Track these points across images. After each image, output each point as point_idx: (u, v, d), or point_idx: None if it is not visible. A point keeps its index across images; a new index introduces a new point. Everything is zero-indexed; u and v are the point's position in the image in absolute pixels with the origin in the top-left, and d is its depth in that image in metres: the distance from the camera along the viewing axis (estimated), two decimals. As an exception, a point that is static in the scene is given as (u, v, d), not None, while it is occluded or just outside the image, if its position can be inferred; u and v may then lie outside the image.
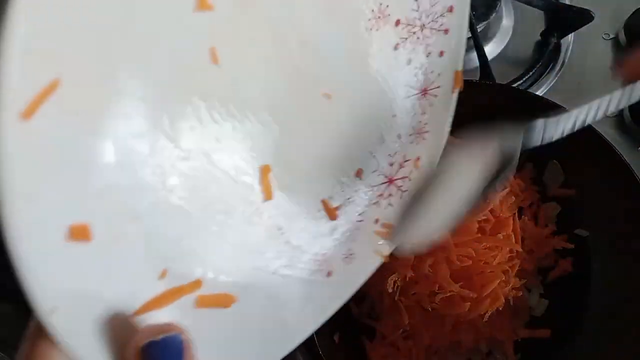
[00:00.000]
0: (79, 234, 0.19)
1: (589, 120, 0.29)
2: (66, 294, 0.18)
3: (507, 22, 0.63)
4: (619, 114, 0.56)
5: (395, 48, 0.32)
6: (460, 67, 0.34)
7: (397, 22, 0.31)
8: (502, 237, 0.43)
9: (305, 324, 0.29)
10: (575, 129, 0.29)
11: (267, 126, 0.28)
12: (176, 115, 0.24)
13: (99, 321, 0.20)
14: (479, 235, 0.42)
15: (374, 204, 0.34)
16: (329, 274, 0.31)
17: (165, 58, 0.22)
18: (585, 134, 0.44)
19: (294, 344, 0.29)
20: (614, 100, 0.28)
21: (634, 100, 0.29)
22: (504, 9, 0.63)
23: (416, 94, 0.34)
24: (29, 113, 0.16)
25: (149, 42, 0.21)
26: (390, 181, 0.34)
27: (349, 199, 0.33)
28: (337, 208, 0.32)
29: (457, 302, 0.41)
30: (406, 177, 0.35)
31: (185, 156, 0.24)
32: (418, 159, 0.35)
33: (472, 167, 0.28)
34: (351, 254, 0.32)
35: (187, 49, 0.23)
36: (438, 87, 0.34)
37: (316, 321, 0.30)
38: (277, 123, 0.28)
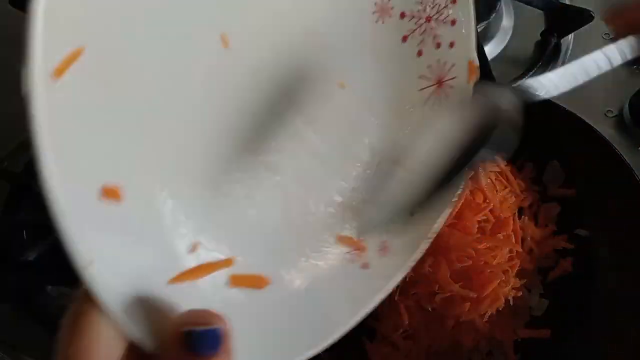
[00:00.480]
0: (110, 194, 0.20)
1: (581, 80, 0.28)
2: (101, 250, 0.19)
3: (507, 22, 0.63)
4: (619, 114, 0.56)
5: (404, 40, 0.33)
6: (472, 57, 0.35)
7: (402, 15, 0.32)
8: (502, 237, 0.43)
9: (345, 316, 0.30)
10: (572, 86, 0.28)
11: (287, 116, 0.28)
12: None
13: (136, 285, 0.21)
14: (479, 235, 0.42)
15: None
16: (364, 265, 0.32)
17: (174, 41, 0.23)
18: (585, 134, 0.45)
19: (333, 337, 0.29)
20: (608, 56, 0.28)
21: (629, 57, 0.27)
22: (504, 9, 0.63)
23: (431, 86, 0.34)
24: (58, 73, 0.18)
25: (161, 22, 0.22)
26: None
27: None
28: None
29: (457, 302, 0.41)
30: None
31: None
32: None
33: (451, 122, 0.27)
34: (385, 247, 0.33)
35: (198, 33, 0.24)
36: (453, 78, 0.34)
37: (356, 313, 0.30)
38: (298, 113, 0.29)
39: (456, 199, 0.35)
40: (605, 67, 0.27)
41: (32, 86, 0.17)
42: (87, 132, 0.19)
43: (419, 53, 0.33)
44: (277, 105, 0.28)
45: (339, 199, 0.32)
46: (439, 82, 0.34)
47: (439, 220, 0.35)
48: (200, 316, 0.20)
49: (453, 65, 0.34)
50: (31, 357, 0.46)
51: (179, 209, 0.24)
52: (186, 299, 0.22)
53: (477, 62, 0.34)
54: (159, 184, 0.23)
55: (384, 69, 0.32)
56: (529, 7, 0.61)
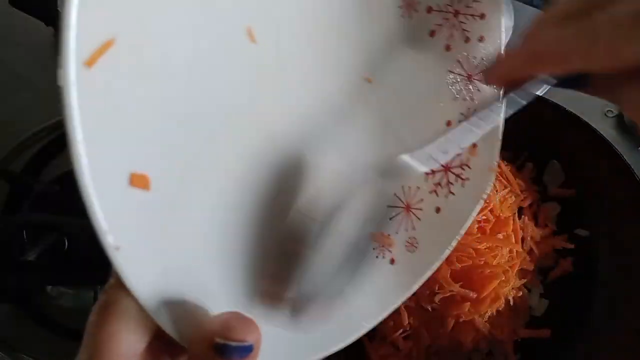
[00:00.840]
0: (139, 182, 0.20)
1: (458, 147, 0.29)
2: (130, 236, 0.20)
3: (507, 22, 0.62)
4: (619, 114, 0.56)
5: (431, 35, 0.32)
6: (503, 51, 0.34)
7: (429, 9, 0.32)
8: (502, 237, 0.43)
9: (371, 312, 0.30)
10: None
11: (313, 110, 0.29)
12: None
13: (164, 278, 0.21)
14: (479, 235, 0.42)
15: (432, 192, 0.34)
16: (392, 261, 0.32)
17: (207, 38, 0.24)
18: (585, 134, 0.45)
19: (358, 333, 0.29)
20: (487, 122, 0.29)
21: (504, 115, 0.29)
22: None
23: (461, 80, 0.34)
24: (92, 62, 0.18)
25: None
26: (447, 169, 0.34)
27: (403, 186, 0.33)
28: (394, 194, 0.32)
29: (457, 302, 0.41)
30: (464, 164, 0.35)
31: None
32: (474, 145, 0.35)
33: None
34: (414, 243, 0.33)
35: (225, 27, 0.24)
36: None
37: (383, 309, 0.30)
38: (322, 108, 0.29)
39: (485, 195, 0.35)
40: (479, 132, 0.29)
41: (66, 74, 0.17)
42: (117, 119, 0.20)
43: (448, 48, 0.33)
44: (302, 99, 0.28)
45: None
46: (469, 77, 0.34)
47: (470, 217, 0.34)
48: (237, 328, 0.20)
49: (482, 59, 0.34)
50: (31, 357, 0.46)
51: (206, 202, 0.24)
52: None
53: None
54: (185, 177, 0.23)
55: (413, 64, 0.32)
56: (529, 7, 0.61)
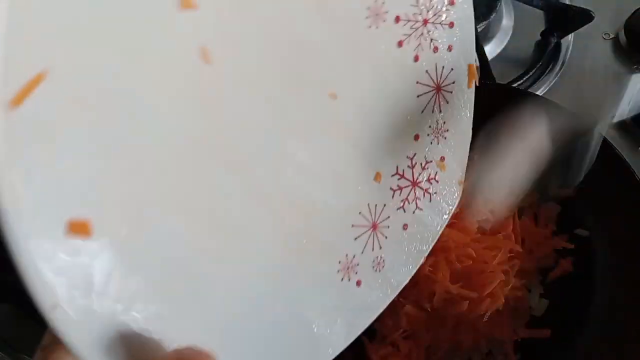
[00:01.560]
0: (79, 229, 0.18)
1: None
2: (67, 290, 0.18)
3: (507, 22, 0.63)
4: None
5: (399, 45, 0.31)
6: (473, 61, 0.33)
7: (397, 19, 0.30)
8: (502, 237, 0.43)
9: (337, 338, 0.29)
10: None
11: (274, 134, 0.26)
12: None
13: (108, 328, 0.19)
14: (479, 235, 0.42)
15: (399, 209, 0.33)
16: (358, 283, 0.31)
17: (156, 68, 0.21)
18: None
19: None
20: None
21: None
22: (504, 9, 0.63)
23: (429, 92, 0.33)
24: (18, 101, 0.16)
25: (137, 42, 0.20)
26: (414, 184, 0.33)
27: (369, 204, 0.31)
28: (359, 213, 0.31)
29: (457, 302, 0.41)
30: (432, 178, 0.34)
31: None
32: (442, 158, 0.34)
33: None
34: (380, 262, 0.32)
35: (174, 48, 0.22)
36: (452, 82, 0.33)
37: (348, 335, 0.29)
38: (283, 127, 0.27)
39: (453, 209, 0.35)
40: None
41: None
42: (52, 159, 0.18)
43: (416, 58, 0.31)
44: (263, 121, 0.26)
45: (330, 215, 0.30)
46: (438, 88, 0.33)
47: (438, 232, 0.34)
48: (193, 356, 0.19)
49: (452, 69, 0.33)
50: (31, 357, 0.46)
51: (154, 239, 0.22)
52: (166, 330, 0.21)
53: (477, 64, 0.33)
54: (129, 217, 0.21)
55: (380, 77, 0.30)
56: (529, 7, 0.61)
